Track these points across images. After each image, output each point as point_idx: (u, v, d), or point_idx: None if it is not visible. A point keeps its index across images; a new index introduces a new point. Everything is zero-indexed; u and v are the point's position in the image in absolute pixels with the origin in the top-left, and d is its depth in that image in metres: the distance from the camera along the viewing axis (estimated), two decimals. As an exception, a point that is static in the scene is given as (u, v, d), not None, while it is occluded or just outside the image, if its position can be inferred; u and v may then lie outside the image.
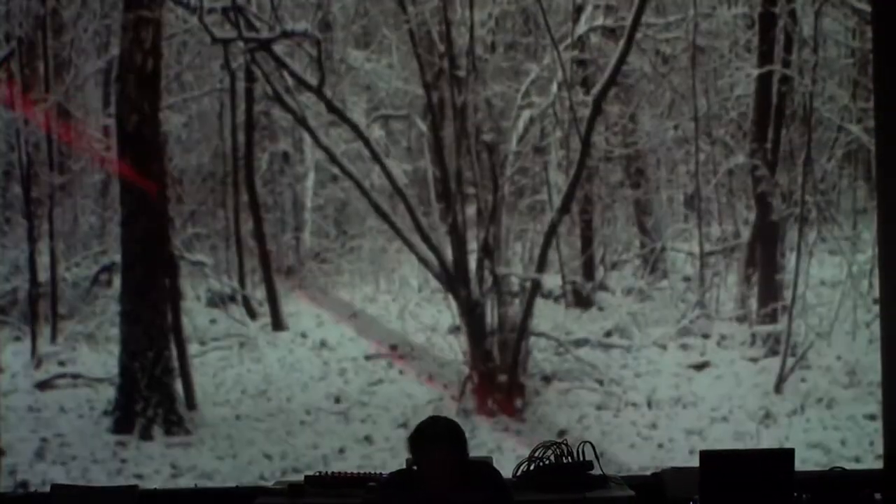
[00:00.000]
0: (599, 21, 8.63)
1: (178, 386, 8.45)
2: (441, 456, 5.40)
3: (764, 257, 8.63)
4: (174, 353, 8.47)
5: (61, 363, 8.49)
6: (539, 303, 8.60)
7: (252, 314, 8.62)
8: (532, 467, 6.52)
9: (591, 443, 6.54)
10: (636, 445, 8.41)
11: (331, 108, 8.56)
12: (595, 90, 8.62)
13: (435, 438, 5.45)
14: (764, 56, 8.67)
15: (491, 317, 8.55)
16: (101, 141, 8.57)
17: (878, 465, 8.29)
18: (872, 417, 8.43)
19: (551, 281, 8.65)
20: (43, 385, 8.47)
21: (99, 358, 8.47)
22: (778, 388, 8.51)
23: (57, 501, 7.04)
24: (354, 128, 8.56)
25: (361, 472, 6.84)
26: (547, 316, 8.59)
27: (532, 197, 8.63)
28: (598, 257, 8.73)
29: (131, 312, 8.46)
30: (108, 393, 8.43)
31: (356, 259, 8.64)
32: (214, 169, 8.62)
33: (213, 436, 8.38)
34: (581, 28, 8.61)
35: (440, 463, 5.41)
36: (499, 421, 8.44)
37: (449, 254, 8.56)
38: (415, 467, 5.54)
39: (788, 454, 6.41)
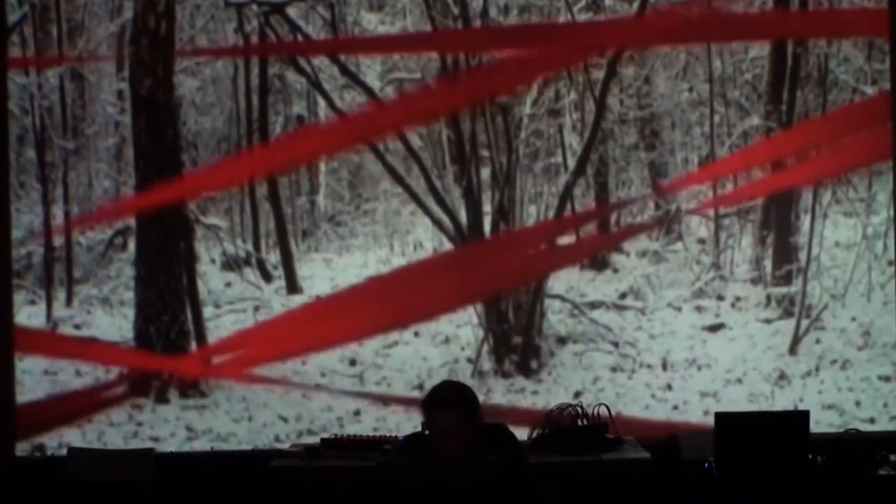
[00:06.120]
0: (614, -18, 8.59)
1: (194, 349, 8.48)
2: (452, 420, 5.41)
3: (778, 219, 8.60)
4: (189, 316, 8.49)
5: (76, 327, 8.51)
6: (554, 265, 8.61)
7: (267, 277, 8.62)
8: (547, 429, 6.54)
9: (606, 405, 6.55)
10: (650, 407, 8.42)
11: (344, 71, 8.54)
12: (609, 52, 8.59)
13: (446, 402, 5.47)
14: (779, 17, 8.64)
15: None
16: (115, 104, 8.57)
17: (893, 426, 8.31)
18: (887, 379, 8.43)
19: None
20: (59, 348, 8.51)
21: (114, 321, 8.49)
22: (792, 349, 8.51)
23: (73, 465, 7.10)
24: (368, 91, 8.54)
25: (377, 434, 6.87)
26: (561, 278, 8.59)
27: (547, 159, 8.61)
28: (613, 219, 8.71)
29: (146, 276, 8.47)
30: (124, 356, 8.47)
31: (370, 222, 8.63)
32: (229, 132, 8.62)
33: (228, 399, 8.40)
34: (595, -11, 8.58)
35: (452, 427, 5.42)
36: (514, 383, 8.46)
37: (463, 216, 8.55)
38: (427, 432, 5.55)
39: (803, 416, 6.43)
